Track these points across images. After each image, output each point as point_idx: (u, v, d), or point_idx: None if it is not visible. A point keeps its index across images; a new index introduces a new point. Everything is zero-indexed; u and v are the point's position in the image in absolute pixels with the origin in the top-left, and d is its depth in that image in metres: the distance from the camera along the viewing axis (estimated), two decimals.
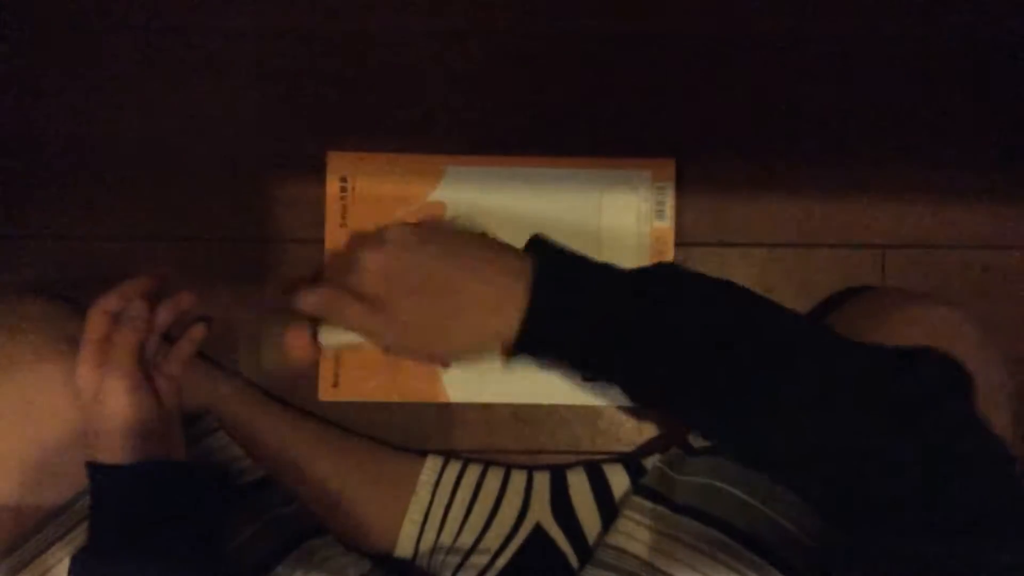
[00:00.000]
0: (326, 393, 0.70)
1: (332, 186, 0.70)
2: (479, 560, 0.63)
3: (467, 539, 0.64)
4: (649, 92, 0.72)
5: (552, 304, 0.42)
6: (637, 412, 0.71)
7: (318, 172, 0.70)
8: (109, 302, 0.52)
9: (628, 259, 0.70)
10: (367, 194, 0.70)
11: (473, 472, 0.67)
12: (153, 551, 0.48)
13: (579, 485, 0.65)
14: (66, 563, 0.51)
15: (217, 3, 0.72)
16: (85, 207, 0.71)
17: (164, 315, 0.55)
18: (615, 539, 0.57)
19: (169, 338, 0.58)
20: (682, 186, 0.70)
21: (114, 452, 0.50)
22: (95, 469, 0.50)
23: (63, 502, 0.53)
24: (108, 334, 0.51)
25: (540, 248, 0.45)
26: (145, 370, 0.52)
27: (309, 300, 0.45)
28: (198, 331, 0.59)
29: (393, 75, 0.71)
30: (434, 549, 0.64)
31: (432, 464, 0.67)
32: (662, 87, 0.72)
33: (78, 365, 0.50)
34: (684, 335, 0.41)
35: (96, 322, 0.51)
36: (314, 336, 0.47)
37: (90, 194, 0.71)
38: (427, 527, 0.64)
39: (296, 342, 0.46)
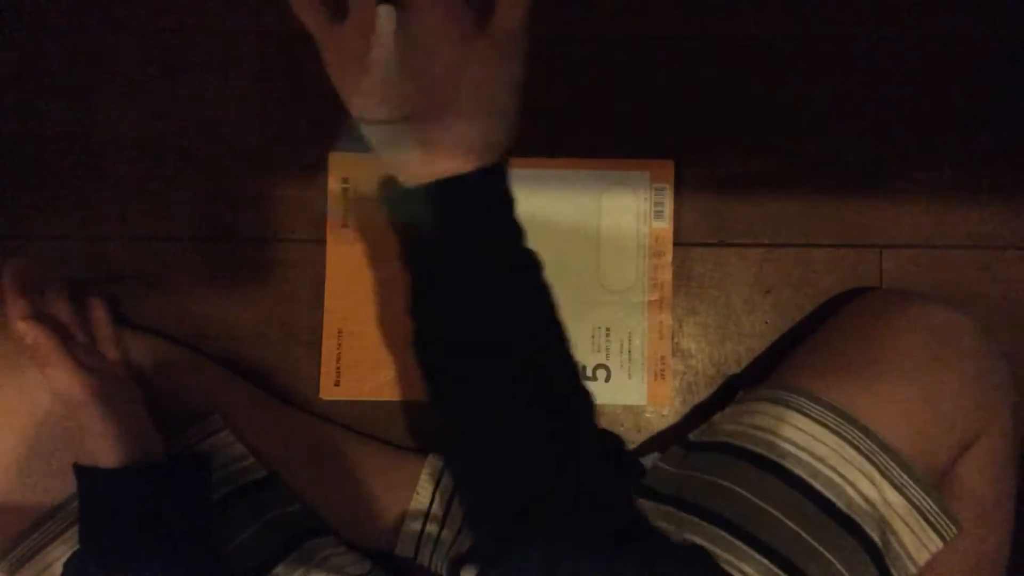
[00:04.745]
0: (327, 392, 0.70)
1: (334, 186, 0.70)
2: None
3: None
4: (649, 92, 0.72)
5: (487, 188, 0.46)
6: (637, 412, 0.71)
7: (319, 172, 0.70)
8: (23, 308, 0.51)
9: (628, 259, 0.70)
10: (368, 194, 0.70)
11: None
12: (144, 552, 0.48)
13: None
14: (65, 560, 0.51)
15: (217, 3, 0.72)
16: (85, 207, 0.71)
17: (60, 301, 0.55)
18: None
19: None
20: (681, 187, 0.71)
21: (101, 454, 0.49)
22: (80, 472, 0.50)
23: (62, 500, 0.53)
24: (49, 333, 0.50)
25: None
26: (89, 362, 0.52)
27: None
28: (96, 305, 0.58)
29: None
30: (435, 548, 0.64)
31: (433, 463, 0.67)
32: (662, 87, 0.72)
33: (57, 375, 0.50)
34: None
35: (31, 331, 0.50)
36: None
37: (90, 194, 0.71)
38: (428, 526, 0.64)
39: None
